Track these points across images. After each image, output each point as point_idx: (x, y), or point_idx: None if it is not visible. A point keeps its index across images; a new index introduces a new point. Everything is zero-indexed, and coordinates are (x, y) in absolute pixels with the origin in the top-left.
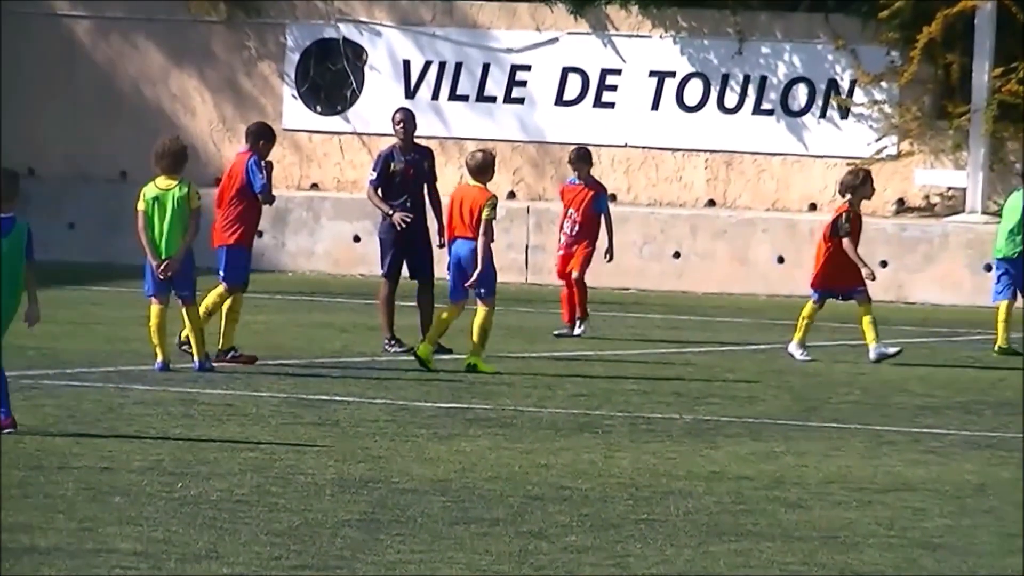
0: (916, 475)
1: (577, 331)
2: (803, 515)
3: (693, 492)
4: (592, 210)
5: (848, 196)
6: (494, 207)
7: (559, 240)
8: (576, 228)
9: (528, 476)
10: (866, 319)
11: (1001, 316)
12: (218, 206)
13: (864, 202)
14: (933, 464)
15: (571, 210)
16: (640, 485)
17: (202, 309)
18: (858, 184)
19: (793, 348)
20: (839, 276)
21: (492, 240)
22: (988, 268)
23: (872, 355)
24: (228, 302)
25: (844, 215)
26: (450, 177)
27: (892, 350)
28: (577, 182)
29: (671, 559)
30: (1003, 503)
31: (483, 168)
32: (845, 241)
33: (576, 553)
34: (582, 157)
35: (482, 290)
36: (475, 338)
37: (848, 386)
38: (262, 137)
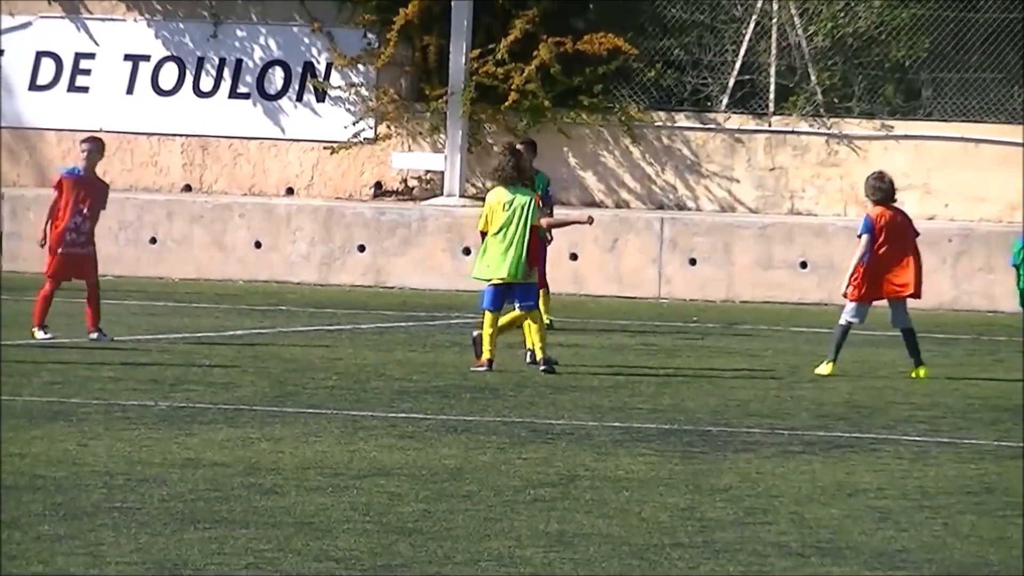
0: (392, 460)
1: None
2: (278, 501)
3: (168, 479)
4: (103, 205)
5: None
6: None
7: (65, 237)
8: (84, 222)
9: (2, 465)
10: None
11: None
12: None
13: (340, 186)
14: (410, 449)
15: (82, 206)
16: (114, 473)
17: None
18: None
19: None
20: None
21: None
22: (467, 252)
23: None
24: None
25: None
26: None
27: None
28: (81, 172)
29: (145, 547)
30: (481, 487)
31: None
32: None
33: (49, 542)
34: (100, 145)
35: None
36: None
37: (325, 372)
38: None
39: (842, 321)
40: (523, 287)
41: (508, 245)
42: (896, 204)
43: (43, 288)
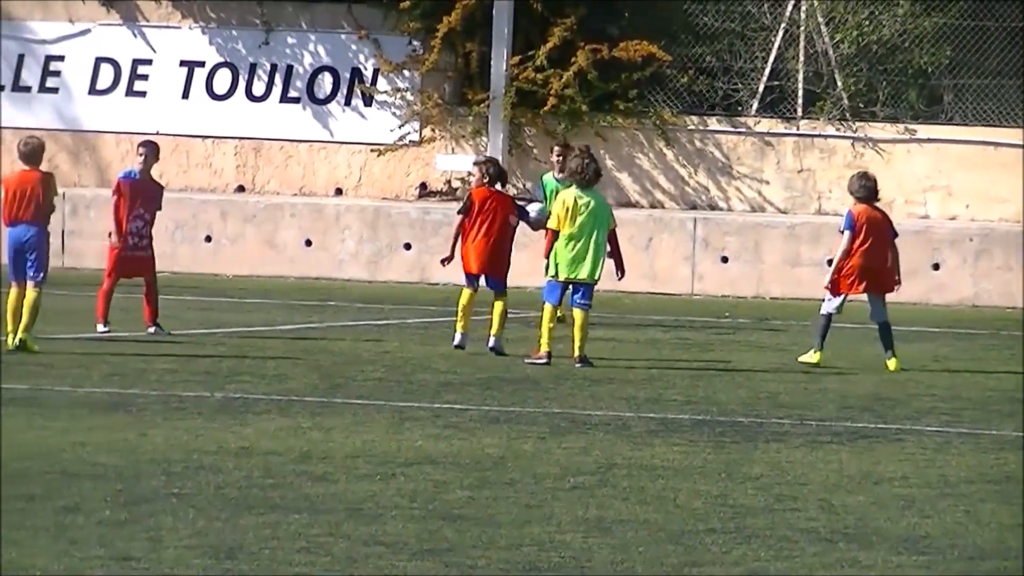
0: (438, 449)
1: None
2: (329, 488)
3: (223, 467)
4: (158, 206)
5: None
6: (56, 185)
7: (127, 240)
8: (145, 226)
9: (63, 453)
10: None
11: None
12: None
13: (387, 187)
14: (454, 438)
15: (141, 209)
16: (172, 461)
17: None
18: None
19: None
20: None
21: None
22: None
23: (491, 343)
24: None
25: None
26: None
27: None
28: (138, 176)
29: (202, 532)
30: (522, 475)
31: (33, 154)
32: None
33: (110, 527)
34: (155, 149)
35: (40, 274)
36: (27, 317)
37: (373, 364)
38: None
39: (824, 311)
40: (589, 286)
41: (587, 246)
42: (878, 204)
43: (103, 285)
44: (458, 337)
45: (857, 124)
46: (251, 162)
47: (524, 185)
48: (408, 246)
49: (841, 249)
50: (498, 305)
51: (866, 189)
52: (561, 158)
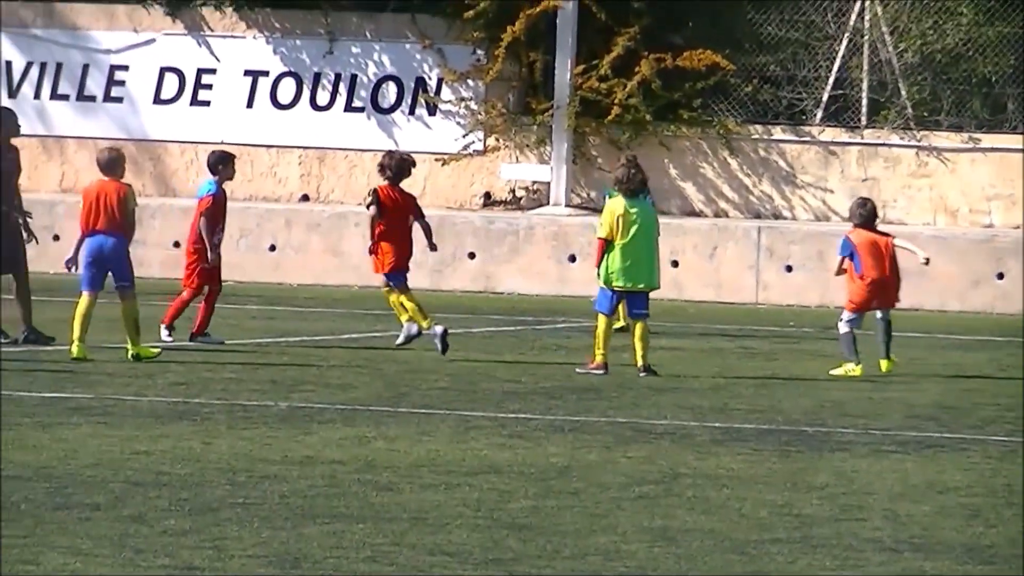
0: (502, 458)
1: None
2: (393, 497)
3: (288, 476)
4: None
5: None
6: (134, 197)
7: (208, 253)
8: (221, 239)
9: (128, 462)
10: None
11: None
12: None
13: (451, 196)
14: (519, 448)
15: (222, 222)
16: (237, 470)
17: None
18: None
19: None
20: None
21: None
22: (572, 259)
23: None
24: None
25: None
26: (52, 174)
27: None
28: (216, 190)
29: (267, 541)
30: (587, 484)
31: (113, 164)
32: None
33: (175, 536)
34: (224, 158)
35: (125, 283)
36: (131, 329)
37: (436, 373)
38: None
39: (844, 330)
40: (645, 295)
41: (642, 255)
42: (876, 227)
43: (183, 294)
44: (438, 328)
45: (921, 133)
46: (315, 171)
47: (588, 195)
48: (472, 255)
49: (836, 270)
50: (397, 298)
51: (863, 216)
52: None
